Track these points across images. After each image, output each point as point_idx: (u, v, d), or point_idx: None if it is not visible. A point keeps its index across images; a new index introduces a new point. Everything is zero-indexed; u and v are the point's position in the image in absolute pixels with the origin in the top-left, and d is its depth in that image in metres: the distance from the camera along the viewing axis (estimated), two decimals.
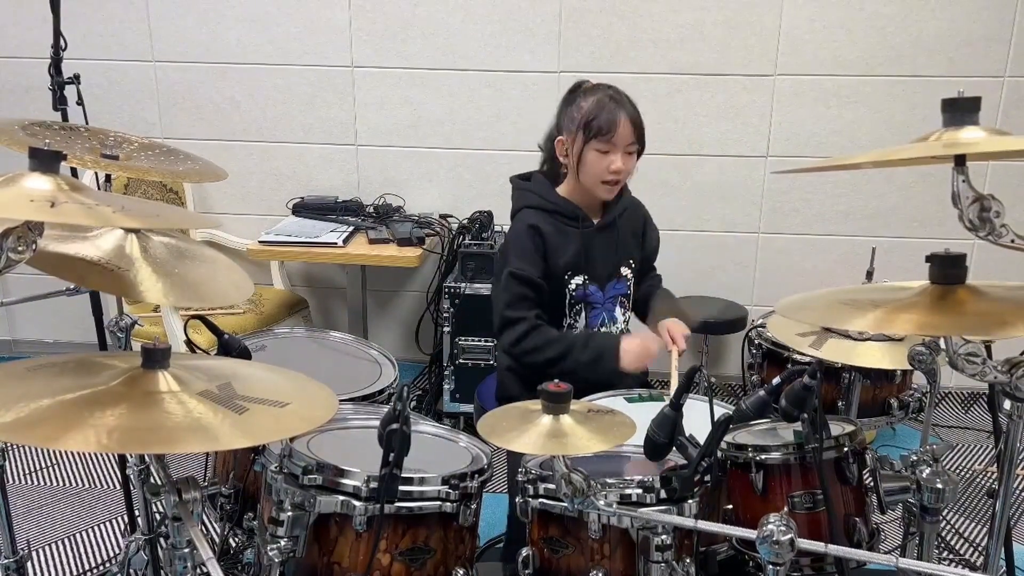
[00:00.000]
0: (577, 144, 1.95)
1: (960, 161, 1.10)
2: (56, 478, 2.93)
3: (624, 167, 1.95)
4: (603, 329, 2.07)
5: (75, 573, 2.40)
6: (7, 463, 1.76)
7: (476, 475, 1.48)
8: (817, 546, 1.19)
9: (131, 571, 1.84)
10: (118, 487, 2.81)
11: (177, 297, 1.46)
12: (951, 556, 2.53)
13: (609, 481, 1.41)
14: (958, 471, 3.05)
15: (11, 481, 2.84)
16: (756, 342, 2.48)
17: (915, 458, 1.54)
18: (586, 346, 1.93)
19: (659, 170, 3.40)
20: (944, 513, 1.99)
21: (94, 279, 1.42)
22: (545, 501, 1.47)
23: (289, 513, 1.39)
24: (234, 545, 1.93)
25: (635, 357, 1.91)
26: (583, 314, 2.04)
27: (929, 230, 3.37)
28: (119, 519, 2.66)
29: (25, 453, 3.04)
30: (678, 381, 1.85)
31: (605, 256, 2.05)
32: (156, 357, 1.19)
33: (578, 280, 2.01)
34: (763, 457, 1.59)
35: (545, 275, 1.98)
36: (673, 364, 1.97)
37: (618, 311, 2.09)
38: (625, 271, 2.10)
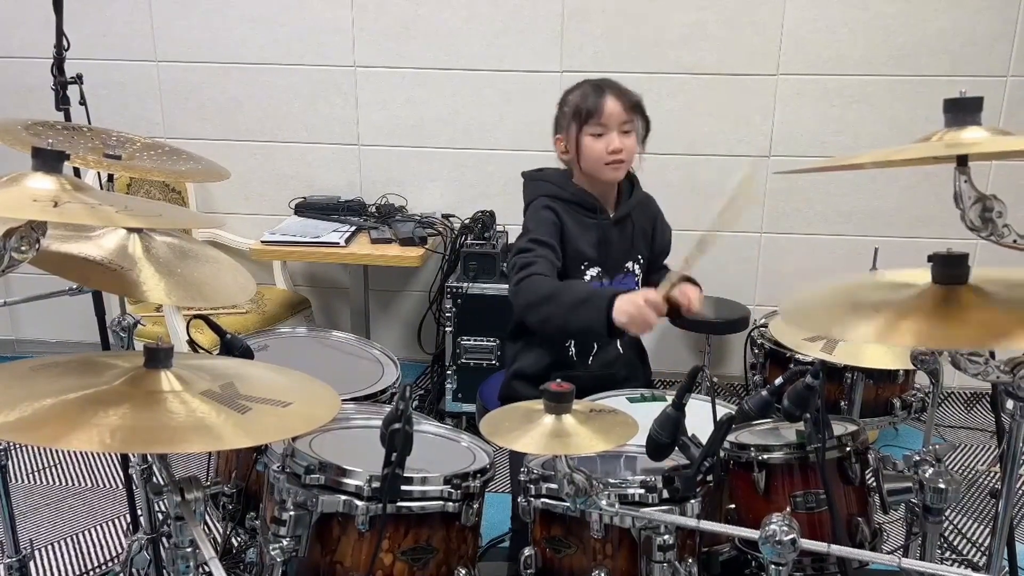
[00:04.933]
0: (572, 136, 1.96)
1: (962, 161, 1.10)
2: (59, 478, 2.93)
3: (623, 145, 1.94)
4: None
5: (78, 572, 2.40)
6: (10, 462, 1.76)
7: (478, 475, 1.48)
8: (820, 546, 1.19)
9: (133, 571, 1.84)
10: (121, 487, 2.81)
11: (180, 297, 1.47)
12: (954, 556, 2.52)
13: (611, 481, 1.41)
14: (961, 471, 3.04)
15: (14, 480, 2.84)
16: (758, 342, 2.48)
17: (918, 458, 1.54)
18: (578, 289, 1.88)
19: (661, 170, 3.39)
20: (947, 513, 1.99)
21: (97, 279, 1.43)
22: (547, 501, 1.47)
23: (291, 513, 1.39)
24: (236, 545, 1.93)
25: (629, 320, 1.71)
26: None
27: (932, 230, 3.36)
28: (122, 519, 2.66)
29: (28, 453, 3.04)
30: (668, 285, 1.76)
31: (619, 249, 2.05)
32: (159, 357, 1.20)
33: (593, 272, 2.00)
34: (765, 457, 1.59)
35: (561, 254, 1.96)
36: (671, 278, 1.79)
37: None
38: (633, 266, 2.09)
